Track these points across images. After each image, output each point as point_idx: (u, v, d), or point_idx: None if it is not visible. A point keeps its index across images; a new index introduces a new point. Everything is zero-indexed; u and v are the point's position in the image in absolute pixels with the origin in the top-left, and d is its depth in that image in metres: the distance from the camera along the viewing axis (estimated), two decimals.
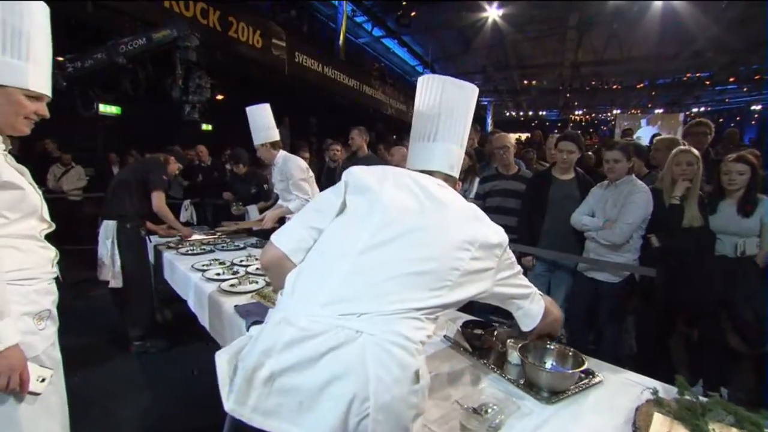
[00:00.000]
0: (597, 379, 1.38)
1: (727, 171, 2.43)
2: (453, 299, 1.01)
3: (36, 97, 1.31)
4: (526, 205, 3.18)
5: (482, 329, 1.77)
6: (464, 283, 1.02)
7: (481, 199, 3.49)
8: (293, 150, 5.77)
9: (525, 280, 1.19)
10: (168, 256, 3.24)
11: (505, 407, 1.20)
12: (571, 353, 1.41)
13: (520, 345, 1.47)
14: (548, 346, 1.47)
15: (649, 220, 2.56)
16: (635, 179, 2.63)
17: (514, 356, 1.52)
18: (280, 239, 1.12)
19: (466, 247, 1.01)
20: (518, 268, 1.18)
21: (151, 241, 3.53)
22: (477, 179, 3.68)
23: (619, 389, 1.36)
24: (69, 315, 4.00)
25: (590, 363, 1.44)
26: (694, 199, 2.40)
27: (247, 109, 3.19)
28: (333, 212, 1.11)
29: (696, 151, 2.47)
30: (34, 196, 1.36)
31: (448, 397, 1.28)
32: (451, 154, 1.20)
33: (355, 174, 1.13)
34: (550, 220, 3.01)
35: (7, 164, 1.28)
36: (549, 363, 1.44)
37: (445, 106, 1.18)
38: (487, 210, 3.36)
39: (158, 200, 3.31)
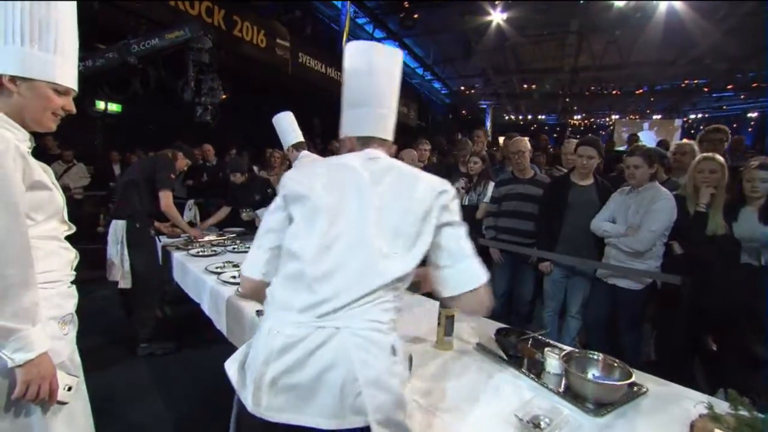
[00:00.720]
0: (642, 391, 1.35)
1: (750, 178, 2.39)
2: (409, 265, 1.08)
3: (63, 92, 1.26)
4: (543, 209, 3.15)
5: (515, 335, 1.74)
6: (417, 243, 1.10)
7: (496, 203, 3.46)
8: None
9: (468, 244, 1.16)
10: (178, 257, 3.19)
11: (556, 419, 1.16)
12: (615, 363, 1.38)
13: (563, 354, 1.43)
14: (591, 355, 1.44)
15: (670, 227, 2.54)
16: (658, 186, 2.60)
17: (552, 365, 1.48)
18: (248, 270, 1.20)
19: (413, 211, 1.10)
20: (464, 229, 1.18)
21: (160, 241, 3.47)
22: (491, 183, 3.65)
23: (667, 402, 1.32)
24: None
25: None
26: (719, 207, 2.38)
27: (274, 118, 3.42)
28: (283, 227, 1.17)
29: (721, 159, 2.45)
30: (59, 197, 1.31)
31: (501, 410, 1.25)
32: (382, 118, 1.23)
33: (287, 185, 1.18)
34: (569, 225, 2.98)
35: (36, 163, 1.23)
36: (591, 373, 1.40)
37: (374, 72, 1.20)
38: (503, 214, 3.40)
39: (166, 200, 3.25)
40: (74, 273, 1.37)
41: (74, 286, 1.36)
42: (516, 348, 1.63)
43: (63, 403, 1.23)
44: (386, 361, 1.02)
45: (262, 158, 6.36)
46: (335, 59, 10.45)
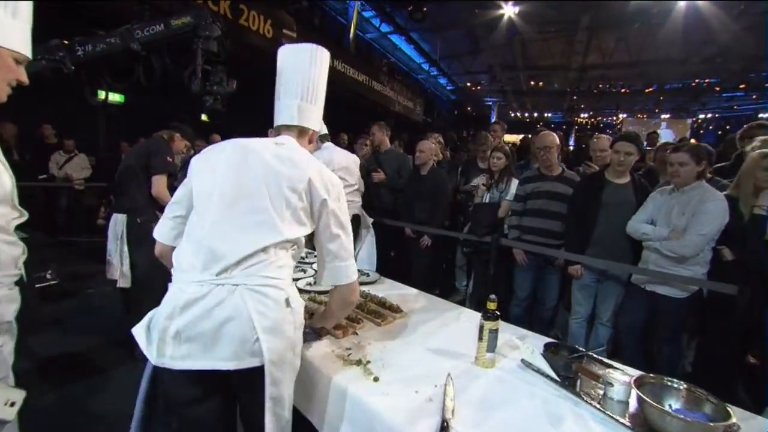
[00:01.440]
0: (735, 430, 1.14)
1: None
2: (297, 232, 1.27)
3: (22, 61, 1.12)
4: (574, 209, 2.94)
5: (567, 352, 1.53)
6: (300, 219, 1.28)
7: (521, 201, 3.25)
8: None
9: (346, 247, 1.35)
10: None
11: None
12: (704, 396, 1.17)
13: (634, 379, 1.23)
14: (669, 383, 1.24)
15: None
16: (707, 185, 2.38)
17: (617, 391, 1.28)
18: (158, 234, 1.43)
19: (294, 189, 1.25)
20: (344, 231, 1.35)
21: None
22: (514, 180, 3.45)
23: None
24: (68, 315, 3.77)
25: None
26: None
27: None
28: (187, 199, 1.33)
29: None
30: (6, 177, 1.11)
31: None
32: (294, 108, 1.40)
33: (192, 164, 1.36)
34: (602, 226, 2.78)
35: None
36: (668, 403, 1.20)
37: (286, 68, 1.42)
38: (529, 213, 3.18)
39: (158, 185, 3.01)
40: (20, 271, 1.17)
41: (17, 288, 1.17)
42: (569, 367, 1.43)
43: (5, 422, 1.06)
44: (281, 312, 1.20)
45: None
46: (342, 52, 10.24)
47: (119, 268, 2.99)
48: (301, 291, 2.19)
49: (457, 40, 14.38)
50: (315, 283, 2.23)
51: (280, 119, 1.43)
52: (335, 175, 1.37)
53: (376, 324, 1.82)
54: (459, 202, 4.19)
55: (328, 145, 3.53)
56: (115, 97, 8.18)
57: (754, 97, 17.24)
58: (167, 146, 3.19)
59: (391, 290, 2.30)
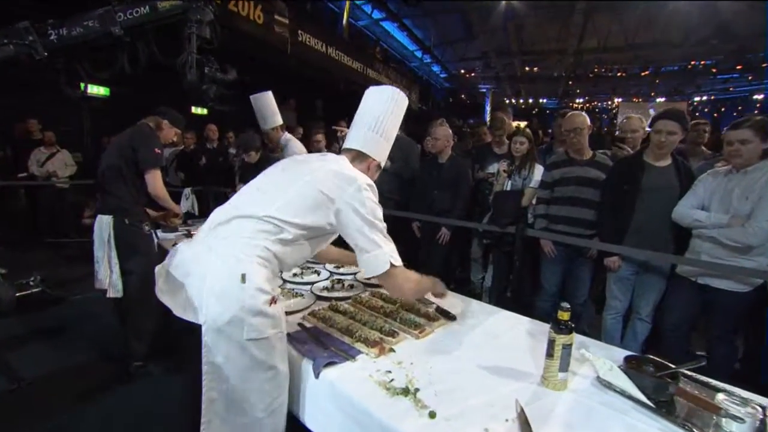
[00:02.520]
0: None
1: None
2: (285, 215, 1.34)
3: None
4: (608, 196, 2.68)
5: (652, 367, 1.27)
6: (308, 209, 1.36)
7: (547, 189, 2.98)
8: (307, 133, 5.22)
9: (374, 237, 1.36)
10: None
11: None
12: None
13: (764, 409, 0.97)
14: None
15: None
16: None
17: (739, 427, 1.02)
18: None
19: (319, 188, 1.36)
20: (373, 225, 1.37)
21: (158, 237, 2.94)
22: (538, 166, 3.18)
23: None
24: (53, 326, 3.32)
25: None
26: None
27: (252, 97, 3.54)
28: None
29: None
30: None
31: None
32: (360, 135, 1.54)
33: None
34: (642, 213, 2.52)
35: None
36: None
37: (366, 104, 1.56)
38: (557, 201, 2.88)
39: (154, 181, 2.69)
40: None
41: None
42: (662, 389, 1.17)
43: None
44: (234, 284, 1.24)
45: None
46: (336, 38, 9.87)
47: (108, 276, 2.64)
48: (319, 297, 1.91)
49: (451, 25, 14.04)
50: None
51: (347, 143, 1.56)
52: (352, 172, 1.42)
53: (413, 336, 1.55)
54: (473, 190, 3.91)
55: (290, 137, 3.67)
56: (99, 90, 7.81)
57: (749, 78, 17.10)
58: (154, 136, 2.83)
59: None
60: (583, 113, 2.91)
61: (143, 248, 2.73)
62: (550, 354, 1.23)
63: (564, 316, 1.23)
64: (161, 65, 3.76)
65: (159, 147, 2.76)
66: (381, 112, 1.51)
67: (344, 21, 10.32)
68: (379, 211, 1.40)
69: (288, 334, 1.42)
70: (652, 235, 2.51)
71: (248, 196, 1.45)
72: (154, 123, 2.88)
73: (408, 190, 3.88)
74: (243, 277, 1.24)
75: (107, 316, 3.16)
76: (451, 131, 3.64)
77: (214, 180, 4.92)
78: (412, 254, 3.69)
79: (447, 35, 15.12)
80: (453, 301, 1.90)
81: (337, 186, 1.36)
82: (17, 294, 3.29)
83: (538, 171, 3.16)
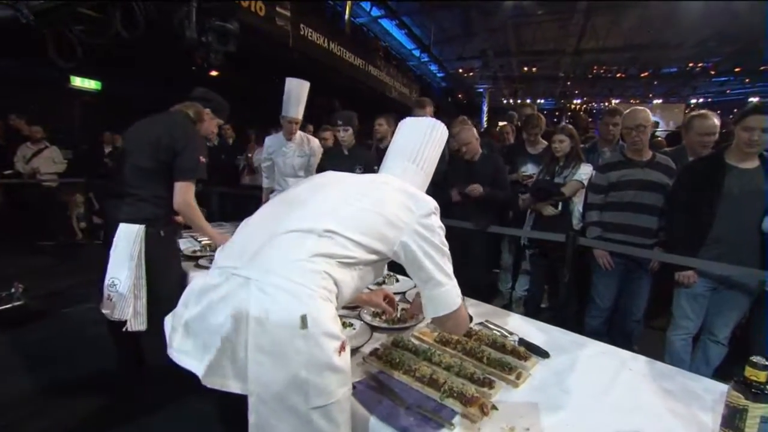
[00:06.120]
0: None
1: None
2: (338, 226, 1.03)
3: None
4: (680, 201, 2.37)
5: None
6: (376, 235, 1.06)
7: (601, 193, 2.67)
8: (316, 131, 4.88)
9: (447, 269, 1.11)
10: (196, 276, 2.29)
11: None
12: None
13: None
14: None
15: None
16: None
17: None
18: None
19: (380, 213, 1.08)
20: (446, 254, 1.12)
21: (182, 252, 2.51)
22: (583, 165, 2.88)
23: None
24: (38, 347, 2.72)
25: None
26: None
27: (288, 79, 3.38)
28: None
29: None
30: None
31: None
32: (398, 165, 1.30)
33: None
34: (724, 221, 2.21)
35: None
36: None
37: (403, 135, 1.36)
38: (613, 206, 2.44)
39: (183, 194, 2.09)
40: None
41: None
42: None
43: None
44: (288, 331, 0.90)
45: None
46: (339, 33, 9.53)
47: (132, 303, 2.04)
48: (375, 328, 1.56)
49: (450, 24, 13.80)
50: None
51: (382, 168, 1.37)
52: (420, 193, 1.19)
53: (511, 384, 1.20)
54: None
55: (301, 132, 3.68)
56: (90, 84, 7.38)
57: (746, 81, 17.14)
58: (198, 136, 2.24)
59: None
60: (646, 109, 2.59)
61: (175, 268, 2.25)
62: (734, 426, 0.89)
63: (760, 376, 0.89)
64: (157, 60, 3.38)
65: (204, 154, 2.16)
66: (422, 143, 1.31)
67: (347, 15, 9.98)
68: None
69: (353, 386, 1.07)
70: (735, 247, 2.20)
71: (287, 207, 1.13)
72: (194, 112, 2.29)
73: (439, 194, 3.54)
74: (304, 320, 0.90)
75: (101, 334, 2.57)
76: (474, 130, 3.33)
77: (215, 181, 4.53)
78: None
79: (446, 33, 14.86)
80: (515, 324, 1.58)
81: (406, 207, 1.11)
82: None
83: (585, 170, 2.86)
